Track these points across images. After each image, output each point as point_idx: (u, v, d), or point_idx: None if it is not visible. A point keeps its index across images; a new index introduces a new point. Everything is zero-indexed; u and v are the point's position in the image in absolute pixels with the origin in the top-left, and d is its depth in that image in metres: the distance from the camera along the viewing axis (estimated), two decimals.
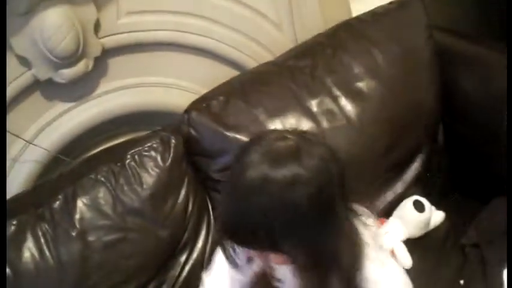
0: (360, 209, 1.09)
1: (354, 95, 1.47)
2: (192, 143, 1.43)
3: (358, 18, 1.61)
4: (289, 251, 0.95)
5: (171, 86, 1.68)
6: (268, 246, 0.96)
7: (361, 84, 1.48)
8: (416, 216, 1.48)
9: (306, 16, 1.76)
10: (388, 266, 1.11)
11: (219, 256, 1.13)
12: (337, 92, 1.47)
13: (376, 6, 1.67)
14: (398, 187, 1.53)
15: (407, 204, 1.50)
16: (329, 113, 1.45)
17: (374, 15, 1.59)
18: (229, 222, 0.98)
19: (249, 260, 1.05)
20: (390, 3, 1.62)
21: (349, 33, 1.56)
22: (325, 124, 1.44)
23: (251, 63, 1.72)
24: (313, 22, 1.76)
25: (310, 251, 0.96)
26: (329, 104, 1.46)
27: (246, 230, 0.94)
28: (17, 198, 1.43)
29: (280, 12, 1.73)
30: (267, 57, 1.72)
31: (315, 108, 1.45)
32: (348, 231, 1.01)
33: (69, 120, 1.58)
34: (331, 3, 1.80)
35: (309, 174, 0.92)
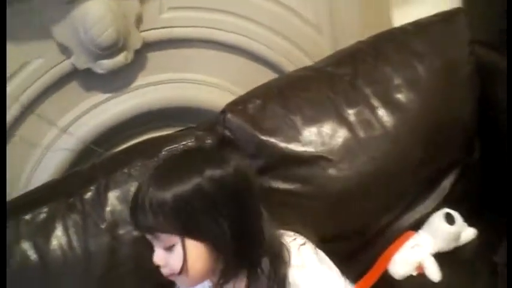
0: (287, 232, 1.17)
1: (392, 106, 1.45)
2: (226, 144, 1.43)
3: (401, 28, 1.59)
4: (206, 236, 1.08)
5: (207, 84, 1.68)
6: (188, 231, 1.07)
7: (400, 96, 1.46)
8: (446, 229, 1.46)
9: (345, 21, 1.76)
10: (309, 268, 1.12)
11: None
12: (376, 103, 1.45)
13: (416, 15, 1.64)
14: (430, 201, 1.51)
15: (438, 216, 1.48)
16: (366, 123, 1.43)
17: (418, 26, 1.56)
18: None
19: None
20: (434, 15, 1.59)
21: (392, 43, 1.53)
22: (361, 134, 1.43)
23: (287, 65, 1.72)
24: (353, 27, 1.75)
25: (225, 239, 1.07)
26: (367, 114, 1.44)
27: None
28: (49, 186, 1.44)
29: (320, 16, 1.73)
30: (304, 60, 1.72)
31: (352, 118, 1.44)
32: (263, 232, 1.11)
33: (104, 111, 1.59)
34: (371, 10, 1.80)
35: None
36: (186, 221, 1.07)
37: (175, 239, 1.08)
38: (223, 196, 1.08)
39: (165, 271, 1.13)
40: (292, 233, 1.18)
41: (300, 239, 1.16)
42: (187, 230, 1.07)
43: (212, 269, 1.12)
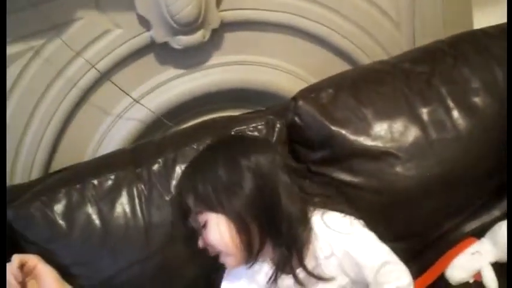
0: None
1: (468, 110, 1.42)
2: (295, 131, 1.43)
3: (483, 30, 1.55)
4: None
5: (280, 69, 1.69)
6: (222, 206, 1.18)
7: (477, 100, 1.43)
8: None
9: (426, 19, 1.73)
10: (357, 234, 1.21)
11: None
12: (451, 104, 1.43)
13: (498, 18, 1.61)
14: (496, 210, 1.48)
15: (502, 226, 1.45)
16: (439, 124, 1.41)
17: (500, 30, 1.52)
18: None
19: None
20: None
21: (473, 45, 1.50)
22: (433, 134, 1.40)
23: (363, 58, 1.71)
24: (434, 26, 1.73)
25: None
26: (441, 114, 1.41)
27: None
28: (118, 154, 1.48)
29: (401, 12, 1.71)
30: (381, 54, 1.71)
31: (425, 117, 1.41)
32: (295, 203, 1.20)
33: (177, 86, 1.62)
34: (454, 10, 1.77)
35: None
36: (212, 202, 1.18)
37: (204, 216, 1.19)
38: (250, 179, 1.18)
39: (210, 251, 1.22)
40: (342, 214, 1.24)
41: (352, 216, 1.24)
42: (213, 207, 1.18)
43: (240, 243, 1.18)
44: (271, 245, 1.20)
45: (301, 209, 1.21)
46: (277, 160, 1.23)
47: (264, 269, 1.24)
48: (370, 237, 1.22)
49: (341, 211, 1.25)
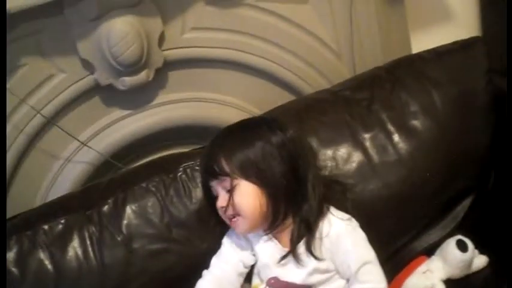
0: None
1: (408, 133, 1.47)
2: None
3: (419, 55, 1.61)
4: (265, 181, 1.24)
5: (226, 103, 1.71)
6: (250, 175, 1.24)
7: (416, 123, 1.48)
8: (458, 256, 1.45)
9: (366, 48, 1.77)
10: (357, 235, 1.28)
11: (224, 240, 1.36)
12: (392, 128, 1.47)
13: (435, 43, 1.66)
14: (443, 227, 1.52)
15: (451, 243, 1.47)
16: (381, 148, 1.45)
17: (436, 54, 1.58)
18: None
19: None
20: (453, 43, 1.60)
21: (409, 70, 1.55)
22: (376, 159, 1.44)
23: (306, 89, 1.74)
24: (373, 54, 1.77)
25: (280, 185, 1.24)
26: (382, 139, 1.46)
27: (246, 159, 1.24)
28: (67, 197, 1.47)
29: (341, 42, 1.75)
30: (323, 84, 1.74)
31: (367, 142, 1.45)
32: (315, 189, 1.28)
33: (124, 127, 1.62)
34: (391, 38, 1.81)
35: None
36: (245, 168, 1.24)
37: (234, 181, 1.24)
38: (280, 154, 1.25)
39: (228, 212, 1.26)
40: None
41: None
42: (245, 174, 1.24)
43: (263, 211, 1.25)
44: (291, 219, 1.27)
45: (323, 191, 1.29)
46: (303, 140, 1.34)
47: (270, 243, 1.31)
48: (364, 236, 1.28)
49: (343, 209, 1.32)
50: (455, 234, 1.50)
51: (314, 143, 1.44)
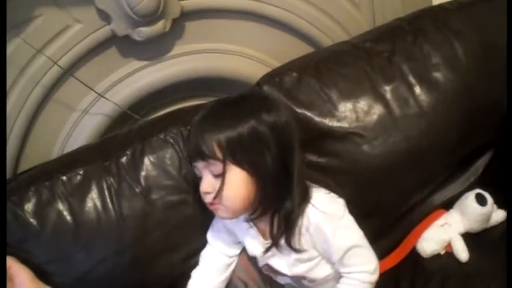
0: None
1: (430, 85, 1.44)
2: None
3: (442, 6, 1.57)
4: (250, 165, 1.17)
5: (243, 55, 1.68)
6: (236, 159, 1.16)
7: (438, 75, 1.46)
8: (477, 209, 1.46)
9: None
10: (337, 220, 1.23)
11: (209, 232, 1.36)
12: (413, 80, 1.45)
13: None
14: (462, 181, 1.51)
15: (469, 196, 1.48)
16: (402, 100, 1.43)
17: (459, 5, 1.54)
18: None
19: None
20: None
21: (432, 21, 1.52)
22: (397, 111, 1.42)
23: (325, 40, 1.71)
24: (393, 5, 1.74)
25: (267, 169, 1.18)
26: (403, 91, 1.44)
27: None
28: (86, 149, 1.47)
29: None
30: (342, 35, 1.72)
31: (388, 95, 1.43)
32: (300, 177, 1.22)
33: (141, 78, 1.61)
34: None
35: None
36: (237, 154, 1.16)
37: (224, 167, 1.16)
38: (273, 137, 1.17)
39: (210, 197, 1.20)
40: (327, 190, 1.27)
41: (335, 195, 1.26)
42: (237, 160, 1.16)
43: (250, 201, 1.19)
44: (272, 210, 1.22)
45: (307, 176, 1.25)
46: (293, 123, 1.24)
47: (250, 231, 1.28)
48: (346, 219, 1.24)
49: (327, 186, 1.27)
50: (474, 188, 1.50)
51: (334, 94, 1.42)
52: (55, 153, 1.61)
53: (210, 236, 1.37)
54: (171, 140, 1.39)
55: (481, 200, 1.46)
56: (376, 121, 1.42)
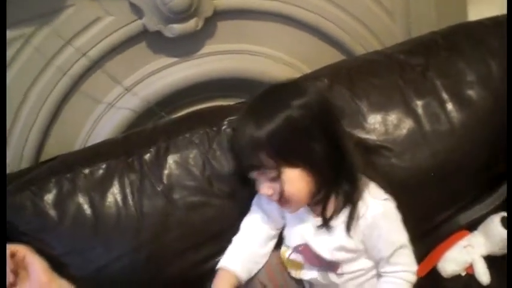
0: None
1: (462, 102, 1.42)
2: None
3: (479, 22, 1.54)
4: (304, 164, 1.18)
5: (274, 58, 1.68)
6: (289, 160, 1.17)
7: (471, 92, 1.43)
8: (502, 233, 1.43)
9: (421, 10, 1.72)
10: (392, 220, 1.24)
11: (253, 202, 1.35)
12: (446, 96, 1.42)
13: (492, 11, 1.60)
14: (488, 203, 1.48)
15: (495, 219, 1.45)
16: (433, 116, 1.40)
17: (497, 22, 1.51)
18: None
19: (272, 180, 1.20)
20: None
21: (468, 38, 1.49)
22: (427, 127, 1.40)
23: (356, 48, 1.70)
24: (428, 17, 1.73)
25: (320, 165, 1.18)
26: (435, 107, 1.41)
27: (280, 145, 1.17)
28: (110, 143, 1.47)
29: (396, 2, 1.69)
30: (374, 44, 1.71)
31: (419, 109, 1.41)
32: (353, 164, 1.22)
33: (169, 75, 1.60)
34: (448, 2, 1.75)
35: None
36: (284, 153, 1.16)
37: (277, 170, 1.17)
38: (311, 120, 1.18)
39: (274, 198, 1.22)
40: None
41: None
42: (286, 160, 1.17)
43: (313, 190, 1.20)
44: (334, 189, 1.23)
45: (361, 161, 1.24)
46: (327, 99, 1.25)
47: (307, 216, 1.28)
48: (399, 218, 1.25)
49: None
50: (500, 211, 1.47)
51: (364, 105, 1.40)
52: (78, 145, 1.61)
53: (256, 203, 1.35)
54: (197, 141, 1.38)
55: (505, 224, 1.43)
56: (406, 135, 1.40)
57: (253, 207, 1.35)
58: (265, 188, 1.20)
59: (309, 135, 1.17)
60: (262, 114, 1.18)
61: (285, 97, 1.19)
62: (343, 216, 1.23)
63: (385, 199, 1.24)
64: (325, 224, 1.24)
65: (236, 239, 1.33)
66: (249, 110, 1.24)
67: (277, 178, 1.18)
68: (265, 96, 1.24)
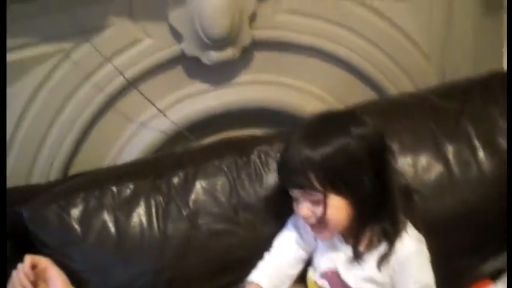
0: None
1: (494, 151, 1.41)
2: None
3: None
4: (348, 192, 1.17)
5: (307, 92, 1.68)
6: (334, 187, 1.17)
7: (503, 142, 1.42)
8: None
9: (457, 54, 1.73)
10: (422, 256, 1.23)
11: (289, 221, 1.34)
12: (477, 144, 1.42)
13: None
14: None
15: None
16: (464, 163, 1.40)
17: None
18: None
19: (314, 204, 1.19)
20: None
21: (503, 85, 1.49)
22: (457, 173, 1.39)
23: (390, 88, 1.70)
24: (463, 61, 1.73)
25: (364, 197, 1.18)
26: (466, 153, 1.40)
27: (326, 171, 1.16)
28: (139, 163, 1.49)
29: (433, 44, 1.70)
30: (407, 84, 1.71)
31: (450, 155, 1.40)
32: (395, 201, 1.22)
33: (202, 101, 1.62)
34: (484, 47, 1.75)
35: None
36: (333, 179, 1.16)
37: (322, 194, 1.17)
38: (367, 153, 1.18)
39: (310, 221, 1.21)
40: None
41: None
42: (334, 186, 1.17)
43: (349, 222, 1.21)
44: (370, 226, 1.23)
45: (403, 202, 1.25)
46: (383, 135, 1.24)
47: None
48: (428, 257, 1.24)
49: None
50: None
51: (395, 146, 1.40)
52: (107, 162, 1.62)
53: (292, 222, 1.34)
54: (225, 168, 1.39)
55: None
56: (434, 180, 1.39)
57: (289, 226, 1.35)
58: (305, 208, 1.20)
59: (362, 167, 1.17)
60: (319, 136, 1.19)
61: (345, 124, 1.20)
62: (377, 251, 1.22)
63: (419, 240, 1.24)
64: (358, 257, 1.23)
65: (268, 256, 1.33)
66: (305, 131, 1.23)
67: (319, 202, 1.18)
68: (324, 120, 1.24)
